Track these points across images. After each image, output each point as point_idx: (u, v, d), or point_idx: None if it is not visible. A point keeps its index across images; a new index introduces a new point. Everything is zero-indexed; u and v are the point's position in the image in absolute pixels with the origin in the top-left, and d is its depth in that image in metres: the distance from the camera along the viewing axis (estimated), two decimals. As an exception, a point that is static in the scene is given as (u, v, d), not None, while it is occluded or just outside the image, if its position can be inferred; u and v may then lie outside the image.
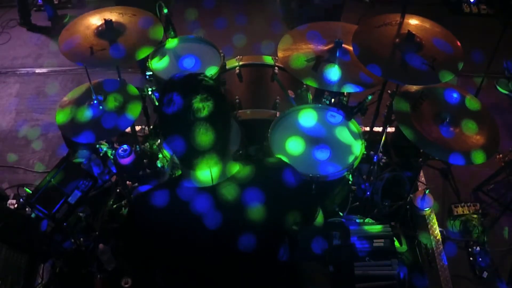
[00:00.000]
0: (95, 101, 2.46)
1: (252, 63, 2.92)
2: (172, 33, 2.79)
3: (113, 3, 2.96)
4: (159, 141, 2.64)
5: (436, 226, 3.00)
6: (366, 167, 3.00)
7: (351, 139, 2.50)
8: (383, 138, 2.79)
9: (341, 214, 2.69)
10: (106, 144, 2.74)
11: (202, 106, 1.19)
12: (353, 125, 2.56)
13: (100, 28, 2.49)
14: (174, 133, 1.23)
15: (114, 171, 3.01)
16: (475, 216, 3.00)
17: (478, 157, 2.18)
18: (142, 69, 3.90)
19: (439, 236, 2.93)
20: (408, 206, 2.91)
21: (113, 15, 2.56)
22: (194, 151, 1.24)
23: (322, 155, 2.40)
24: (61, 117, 2.46)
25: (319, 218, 1.62)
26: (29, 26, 4.72)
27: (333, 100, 2.69)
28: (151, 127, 3.20)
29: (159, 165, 2.67)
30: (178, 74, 1.28)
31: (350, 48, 2.43)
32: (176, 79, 1.26)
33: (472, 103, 2.42)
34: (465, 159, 2.17)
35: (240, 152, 2.44)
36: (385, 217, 2.83)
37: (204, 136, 1.21)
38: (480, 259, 2.82)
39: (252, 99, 2.78)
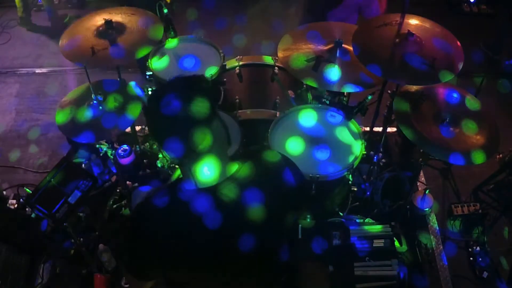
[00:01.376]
0: (95, 101, 2.46)
1: (252, 63, 2.92)
2: (172, 33, 2.79)
3: (113, 3, 2.96)
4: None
5: (436, 226, 3.00)
6: (366, 167, 3.00)
7: (351, 139, 2.50)
8: (383, 138, 2.79)
9: (341, 214, 2.69)
10: (106, 144, 2.74)
11: (201, 109, 1.19)
12: (353, 125, 2.56)
13: (100, 28, 2.50)
14: (172, 136, 1.23)
15: (114, 171, 3.01)
16: (475, 216, 3.00)
17: (478, 157, 2.18)
18: (142, 69, 3.89)
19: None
20: (408, 206, 2.91)
21: (113, 16, 2.56)
22: (191, 152, 1.24)
23: (322, 155, 2.40)
24: (61, 117, 2.46)
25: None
26: (29, 26, 4.72)
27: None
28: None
29: (159, 165, 2.67)
30: (176, 75, 1.28)
31: (350, 48, 2.43)
32: (174, 81, 1.26)
33: (472, 103, 2.43)
34: (465, 159, 2.17)
35: (240, 152, 2.44)
36: (385, 217, 2.83)
37: (203, 138, 1.22)
38: (480, 259, 2.82)
39: (252, 99, 2.78)
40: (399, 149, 3.33)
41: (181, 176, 1.35)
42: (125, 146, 2.97)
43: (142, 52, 2.44)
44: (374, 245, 2.43)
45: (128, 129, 2.96)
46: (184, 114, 1.19)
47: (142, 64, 3.56)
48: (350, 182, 2.53)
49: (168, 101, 1.20)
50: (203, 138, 1.23)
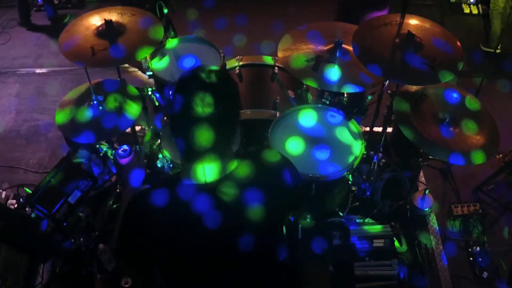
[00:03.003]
0: (95, 101, 2.46)
1: (252, 63, 2.92)
2: (172, 33, 2.79)
3: (112, 3, 2.96)
4: (159, 141, 2.64)
5: (436, 226, 3.00)
6: (366, 167, 3.00)
7: (351, 139, 2.50)
8: (383, 138, 2.79)
9: (341, 214, 2.69)
10: (106, 144, 2.74)
11: (202, 106, 1.18)
12: (353, 125, 2.56)
13: (100, 28, 2.50)
14: (177, 132, 1.24)
15: (114, 171, 3.01)
16: (475, 216, 3.00)
17: (478, 157, 2.18)
18: (141, 69, 3.89)
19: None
20: (408, 206, 2.91)
21: (112, 15, 2.56)
22: (193, 151, 1.24)
23: (322, 155, 2.40)
24: (61, 117, 2.46)
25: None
26: (29, 26, 4.72)
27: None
28: (151, 127, 3.20)
29: (159, 165, 2.67)
30: (186, 71, 1.27)
31: (350, 48, 2.43)
32: (181, 78, 1.26)
33: (472, 103, 2.43)
34: (465, 159, 2.17)
35: (240, 152, 2.44)
36: (385, 217, 2.83)
37: (204, 137, 1.21)
38: (480, 259, 2.82)
39: (252, 99, 2.78)
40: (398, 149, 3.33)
41: (181, 170, 1.35)
42: (125, 146, 2.96)
43: (143, 53, 2.43)
44: (374, 245, 2.44)
45: (128, 129, 2.96)
46: (184, 112, 1.19)
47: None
48: (350, 182, 2.53)
49: (174, 99, 1.21)
50: (205, 137, 1.22)
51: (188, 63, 2.78)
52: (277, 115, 2.57)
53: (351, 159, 2.40)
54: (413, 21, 2.40)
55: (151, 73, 2.76)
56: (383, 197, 2.97)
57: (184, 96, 1.19)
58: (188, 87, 1.21)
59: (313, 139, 2.46)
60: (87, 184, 2.42)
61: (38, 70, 4.27)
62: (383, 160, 3.11)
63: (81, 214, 2.74)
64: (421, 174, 3.26)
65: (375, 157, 2.87)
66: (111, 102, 2.49)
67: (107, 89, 2.57)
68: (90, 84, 2.48)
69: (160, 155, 2.63)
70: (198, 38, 2.96)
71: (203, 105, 1.18)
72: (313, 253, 2.35)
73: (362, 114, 2.72)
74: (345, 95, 2.75)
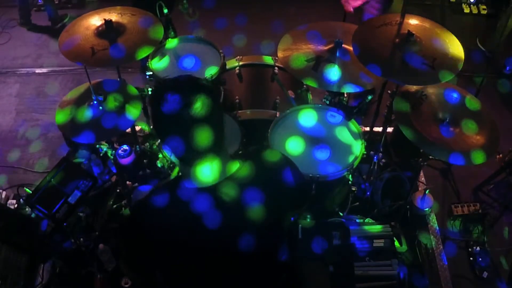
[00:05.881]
0: (95, 101, 2.46)
1: (252, 63, 2.92)
2: (172, 33, 2.79)
3: (112, 3, 2.95)
4: (159, 141, 2.64)
5: (436, 226, 3.00)
6: (366, 167, 3.00)
7: (351, 139, 2.50)
8: (383, 138, 2.79)
9: (341, 214, 2.69)
10: (106, 144, 2.74)
11: (201, 106, 1.19)
12: (353, 125, 2.56)
13: (100, 28, 2.50)
14: (173, 134, 1.24)
15: (114, 171, 3.01)
16: (475, 216, 3.00)
17: (478, 157, 2.18)
18: (141, 69, 3.89)
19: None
20: (408, 206, 2.91)
21: (112, 15, 2.56)
22: (193, 151, 1.24)
23: (322, 155, 2.40)
24: (61, 117, 2.46)
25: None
26: (29, 26, 4.72)
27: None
28: (151, 127, 3.20)
29: (159, 165, 2.67)
30: (174, 76, 1.28)
31: (350, 48, 2.43)
32: (175, 80, 1.26)
33: (472, 103, 2.42)
34: (465, 159, 2.17)
35: (240, 152, 2.44)
36: (385, 217, 2.83)
37: (203, 136, 1.22)
38: (480, 259, 2.82)
39: (252, 99, 2.78)
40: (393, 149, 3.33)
41: (181, 174, 1.35)
42: (125, 146, 2.97)
43: (142, 53, 2.43)
44: (374, 245, 2.43)
45: (128, 129, 2.96)
46: (185, 112, 1.19)
47: (142, 64, 3.56)
48: (350, 182, 2.53)
49: (170, 99, 1.20)
50: (204, 137, 1.22)
51: (188, 63, 2.78)
52: (277, 115, 2.57)
53: (351, 159, 2.40)
54: (413, 21, 2.40)
55: (151, 73, 2.75)
56: (383, 197, 2.97)
57: (183, 98, 1.19)
58: (185, 89, 1.22)
59: (313, 139, 2.46)
60: (87, 184, 2.42)
61: (38, 70, 4.27)
62: (383, 160, 3.11)
63: (81, 214, 2.75)
64: (421, 174, 3.26)
65: (375, 157, 2.87)
66: (111, 102, 2.49)
67: (107, 89, 2.57)
68: (90, 84, 2.48)
69: (160, 155, 2.63)
70: (198, 38, 2.96)
71: (201, 106, 1.19)
72: (313, 253, 2.34)
73: (362, 114, 2.72)
74: (345, 95, 2.75)
